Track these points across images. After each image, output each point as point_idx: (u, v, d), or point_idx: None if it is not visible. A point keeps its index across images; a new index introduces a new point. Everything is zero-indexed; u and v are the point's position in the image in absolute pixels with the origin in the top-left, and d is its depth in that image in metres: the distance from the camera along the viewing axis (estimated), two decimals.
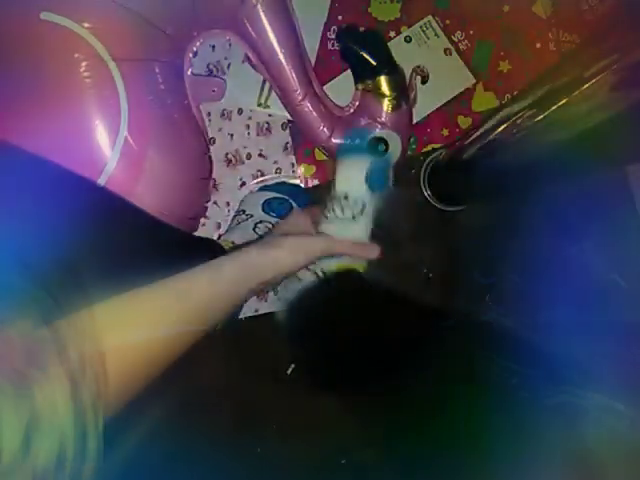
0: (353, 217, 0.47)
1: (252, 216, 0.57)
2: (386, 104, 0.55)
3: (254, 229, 0.55)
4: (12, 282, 0.24)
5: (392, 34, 0.63)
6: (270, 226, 0.56)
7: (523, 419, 0.26)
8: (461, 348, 0.29)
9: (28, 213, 0.32)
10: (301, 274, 0.47)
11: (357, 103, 0.57)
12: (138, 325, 0.30)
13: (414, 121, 0.62)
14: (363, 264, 0.49)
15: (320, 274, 0.47)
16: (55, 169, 0.40)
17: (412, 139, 0.63)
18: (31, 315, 0.23)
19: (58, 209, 0.33)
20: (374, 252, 0.45)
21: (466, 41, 0.64)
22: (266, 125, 0.62)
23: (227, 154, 0.62)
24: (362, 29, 0.62)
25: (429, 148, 0.64)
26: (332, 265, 0.48)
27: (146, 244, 0.41)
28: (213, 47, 0.60)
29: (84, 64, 0.44)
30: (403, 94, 0.56)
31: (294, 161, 0.62)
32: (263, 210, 0.57)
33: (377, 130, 0.55)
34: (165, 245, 0.45)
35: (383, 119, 0.55)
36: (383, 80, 0.54)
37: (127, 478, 0.30)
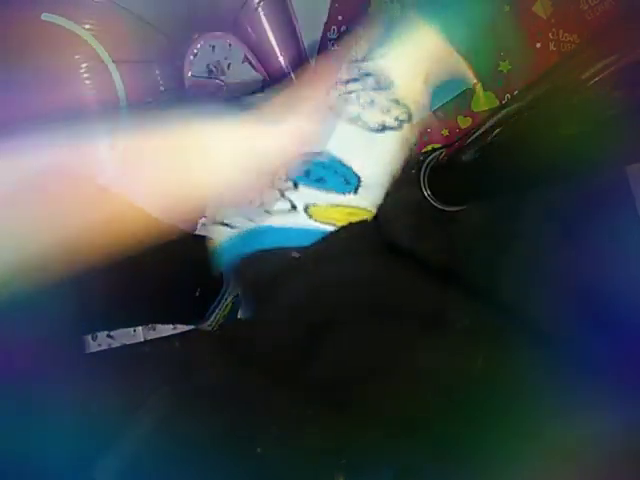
0: (397, 121, 0.28)
1: None
2: None
3: None
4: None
5: None
6: None
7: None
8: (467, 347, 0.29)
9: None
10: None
11: None
12: None
13: None
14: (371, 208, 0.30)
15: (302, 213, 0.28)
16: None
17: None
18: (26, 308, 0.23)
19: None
20: None
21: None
22: None
23: None
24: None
25: (429, 148, 0.64)
26: (320, 205, 0.29)
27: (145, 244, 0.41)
28: (213, 47, 0.60)
29: (84, 65, 0.44)
30: None
31: None
32: None
33: None
34: (164, 245, 0.45)
35: None
36: None
37: (127, 478, 0.30)
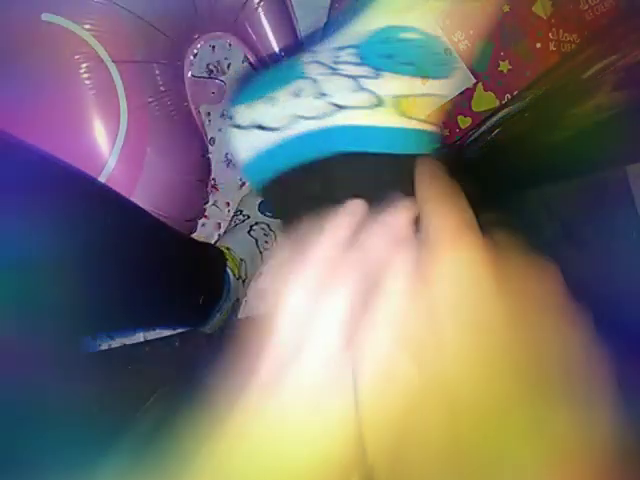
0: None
1: (249, 217, 0.57)
2: None
3: (249, 232, 0.55)
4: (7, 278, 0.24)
5: None
6: (266, 227, 0.56)
7: None
8: None
9: (26, 208, 0.32)
10: None
11: None
12: None
13: None
14: None
15: None
16: (57, 164, 0.40)
17: None
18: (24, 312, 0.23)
19: (58, 204, 0.33)
20: None
21: (466, 41, 0.64)
22: None
23: (227, 154, 0.62)
24: None
25: None
26: (414, 97, 0.21)
27: (146, 243, 0.41)
28: (213, 47, 0.60)
29: (84, 66, 0.44)
30: None
31: None
32: (259, 211, 0.57)
33: None
34: (164, 245, 0.45)
35: None
36: None
37: (127, 478, 0.30)
